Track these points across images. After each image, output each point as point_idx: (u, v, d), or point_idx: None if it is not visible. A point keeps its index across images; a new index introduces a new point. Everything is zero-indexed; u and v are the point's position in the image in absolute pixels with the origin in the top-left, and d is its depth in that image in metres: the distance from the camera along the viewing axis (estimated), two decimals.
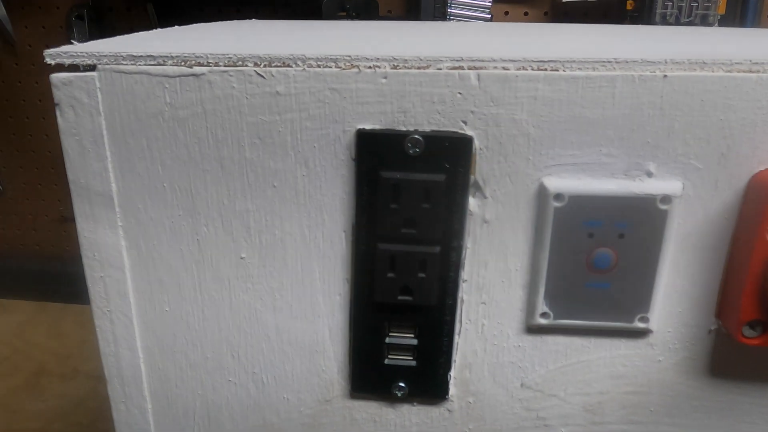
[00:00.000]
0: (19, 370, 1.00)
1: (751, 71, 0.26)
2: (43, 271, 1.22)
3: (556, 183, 0.28)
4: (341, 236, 0.30)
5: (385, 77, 0.27)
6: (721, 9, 0.83)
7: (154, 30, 0.39)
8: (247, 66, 0.27)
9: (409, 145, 0.28)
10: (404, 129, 0.28)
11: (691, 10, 0.82)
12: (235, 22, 0.56)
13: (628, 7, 0.87)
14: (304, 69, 0.27)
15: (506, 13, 0.96)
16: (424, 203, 0.28)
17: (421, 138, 0.28)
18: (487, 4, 0.80)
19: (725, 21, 0.84)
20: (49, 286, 1.18)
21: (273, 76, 0.28)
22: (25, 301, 1.19)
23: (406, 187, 0.28)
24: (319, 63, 0.27)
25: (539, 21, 0.96)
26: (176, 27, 0.44)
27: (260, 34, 0.40)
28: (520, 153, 0.28)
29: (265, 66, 0.27)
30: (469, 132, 0.28)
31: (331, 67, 0.27)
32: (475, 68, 0.27)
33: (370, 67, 0.27)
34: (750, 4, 0.83)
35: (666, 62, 0.26)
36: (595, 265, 0.29)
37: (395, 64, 0.27)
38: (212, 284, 0.32)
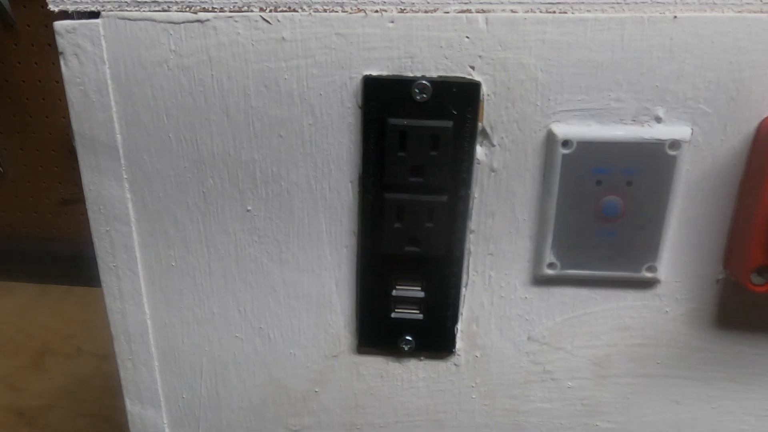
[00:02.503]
0: (23, 350, 1.00)
1: (762, 11, 0.26)
2: (46, 253, 1.22)
3: (564, 129, 0.28)
4: (348, 186, 0.30)
5: (392, 21, 0.27)
6: None
7: None
8: (252, 11, 0.27)
9: (417, 90, 0.28)
10: (411, 75, 0.28)
11: None
12: None
13: None
14: (310, 14, 0.27)
15: None
16: (431, 151, 0.28)
17: (428, 84, 0.27)
18: None
19: None
20: (51, 268, 1.18)
21: (279, 21, 0.27)
22: (28, 283, 1.19)
23: (413, 134, 0.28)
24: (325, 7, 0.27)
25: None
26: None
27: None
28: (528, 99, 0.28)
29: (270, 11, 0.27)
30: (476, 77, 0.28)
31: (337, 12, 0.27)
32: (483, 11, 0.27)
33: (377, 11, 0.27)
34: None
35: (676, 3, 0.26)
36: (603, 213, 0.29)
37: (402, 8, 0.27)
38: (218, 237, 0.31)
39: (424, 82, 0.27)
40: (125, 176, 0.30)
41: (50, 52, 1.06)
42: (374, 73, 0.28)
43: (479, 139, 0.29)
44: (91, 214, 0.31)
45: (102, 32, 0.28)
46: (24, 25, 1.07)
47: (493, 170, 0.29)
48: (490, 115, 0.28)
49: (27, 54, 1.08)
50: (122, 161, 0.30)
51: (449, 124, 0.28)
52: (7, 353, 0.99)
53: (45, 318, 1.07)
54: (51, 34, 0.28)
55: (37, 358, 0.97)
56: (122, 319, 0.34)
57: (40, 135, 1.18)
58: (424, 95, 0.28)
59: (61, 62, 0.29)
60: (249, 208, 0.31)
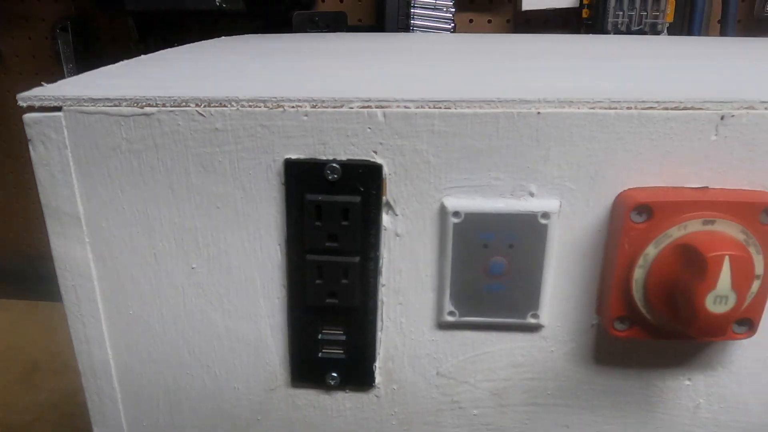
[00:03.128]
0: (13, 366, 1.05)
1: (610, 108, 0.31)
2: (35, 271, 1.27)
3: (454, 202, 0.33)
4: (276, 249, 0.35)
5: (306, 115, 0.32)
6: (669, 17, 0.88)
7: (120, 63, 0.44)
8: (189, 106, 0.32)
9: (329, 171, 0.33)
10: (324, 158, 0.33)
11: (641, 19, 0.87)
12: (199, 45, 0.60)
13: (584, 15, 0.91)
14: (237, 108, 0.32)
15: (470, 20, 1.00)
16: (343, 221, 0.34)
17: (338, 166, 0.33)
18: (448, 16, 0.85)
19: (673, 29, 0.88)
20: (40, 286, 1.23)
21: (212, 114, 0.32)
22: (17, 300, 1.24)
23: (326, 208, 0.33)
24: (250, 104, 0.32)
25: (502, 28, 1.01)
26: (142, 57, 0.48)
27: (214, 63, 0.45)
28: (423, 177, 0.33)
29: (204, 106, 0.32)
30: (379, 160, 0.33)
31: (260, 107, 0.32)
32: (382, 107, 0.32)
33: (293, 107, 0.32)
34: (696, 13, 0.87)
35: (539, 101, 0.31)
36: (490, 271, 0.34)
37: (314, 104, 0.32)
38: (168, 290, 0.37)
39: (334, 164, 0.33)
40: (87, 240, 0.36)
41: (38, 81, 1.11)
42: (293, 156, 0.33)
43: (384, 209, 0.34)
44: (58, 271, 0.37)
45: (64, 123, 0.33)
46: (12, 55, 1.12)
47: (398, 235, 0.34)
48: (392, 190, 0.33)
49: (15, 82, 1.13)
50: (84, 228, 0.35)
51: (357, 199, 0.33)
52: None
53: (34, 334, 1.12)
54: (39, 64, 0.34)
55: (27, 374, 1.02)
56: (89, 359, 0.39)
57: (29, 159, 1.22)
58: (335, 175, 0.33)
59: (30, 148, 0.34)
60: (193, 266, 0.36)
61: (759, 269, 0.32)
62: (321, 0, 1.00)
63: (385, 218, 0.34)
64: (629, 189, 0.32)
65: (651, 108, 0.31)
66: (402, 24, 0.83)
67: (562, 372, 0.37)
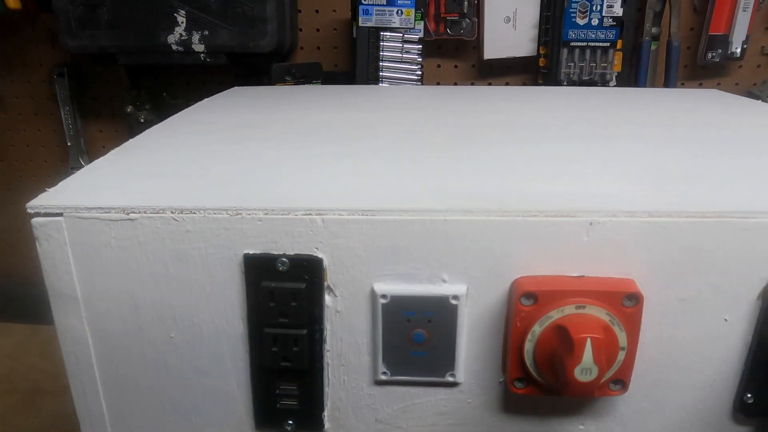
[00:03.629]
0: (16, 389, 1.12)
1: (502, 216, 0.39)
2: (36, 296, 1.34)
3: (382, 287, 0.41)
4: (239, 322, 0.43)
5: (260, 220, 0.40)
6: (618, 67, 0.95)
7: (112, 153, 0.52)
8: (165, 213, 0.40)
9: (279, 264, 0.41)
10: (276, 253, 0.41)
11: (591, 69, 0.95)
12: (172, 127, 0.68)
13: (540, 64, 0.99)
14: (205, 215, 0.40)
15: (438, 66, 1.08)
16: (292, 302, 0.41)
17: (287, 260, 0.40)
18: (414, 68, 0.92)
19: (622, 77, 0.96)
20: (41, 310, 1.31)
21: (184, 219, 0.40)
22: (19, 324, 1.31)
23: (278, 292, 0.41)
24: (215, 212, 0.40)
25: (468, 74, 1.08)
26: (129, 145, 0.56)
27: (185, 160, 0.52)
28: (356, 267, 0.41)
29: (178, 213, 0.40)
30: (320, 255, 0.40)
31: (223, 214, 0.40)
32: (320, 214, 0.40)
33: (249, 214, 0.40)
34: (642, 64, 0.95)
35: (446, 210, 0.39)
36: (414, 340, 0.42)
37: (266, 212, 0.40)
38: (151, 355, 0.44)
39: (284, 258, 0.40)
40: (84, 316, 0.43)
41: (36, 121, 1.18)
42: (251, 251, 0.41)
43: (326, 292, 0.42)
44: (60, 340, 0.44)
45: (64, 226, 0.41)
46: (12, 97, 1.19)
47: (338, 312, 0.42)
48: (332, 277, 0.41)
49: (15, 122, 1.21)
50: (81, 306, 0.43)
51: (303, 285, 0.41)
52: (2, 392, 1.11)
53: (35, 357, 1.20)
54: (37, 105, 0.41)
55: (28, 397, 1.10)
56: (86, 410, 0.46)
57: (30, 193, 1.30)
58: (285, 267, 0.41)
59: (36, 244, 0.41)
60: (172, 335, 0.44)
61: (623, 342, 0.39)
62: (300, 48, 1.08)
63: (327, 298, 0.42)
64: (520, 277, 0.40)
65: (535, 216, 0.39)
66: (372, 76, 0.91)
67: (479, 419, 0.45)
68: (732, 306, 0.41)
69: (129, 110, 1.06)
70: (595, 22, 0.92)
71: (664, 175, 0.46)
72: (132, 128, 1.07)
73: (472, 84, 1.11)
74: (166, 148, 0.54)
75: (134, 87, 1.05)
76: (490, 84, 1.13)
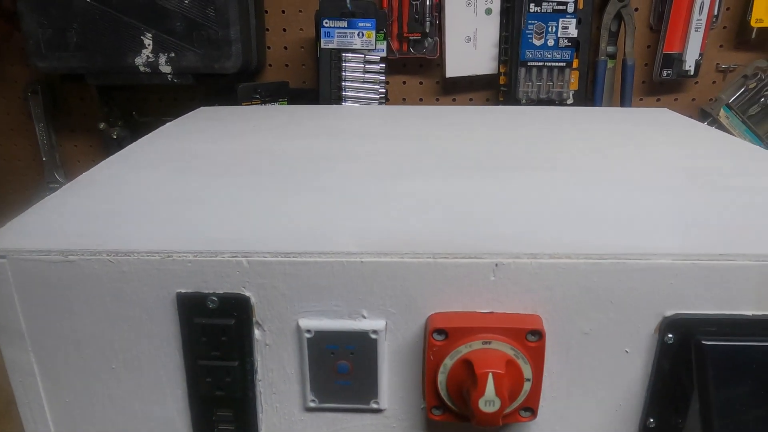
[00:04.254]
0: None
1: (414, 258, 0.42)
2: None
3: (306, 323, 0.44)
4: (176, 354, 0.46)
5: (190, 262, 0.43)
6: (574, 86, 0.98)
7: (63, 188, 0.54)
8: (102, 256, 0.43)
9: (209, 302, 0.43)
10: (206, 291, 0.43)
11: (549, 88, 0.98)
12: (112, 166, 0.70)
13: (501, 82, 1.02)
14: (138, 257, 0.43)
15: (404, 82, 1.11)
16: (222, 337, 0.44)
17: (216, 298, 0.43)
18: (376, 87, 0.95)
19: (579, 95, 0.99)
20: None
21: (119, 261, 0.43)
22: None
23: (209, 328, 0.44)
24: (147, 255, 0.43)
25: (433, 90, 1.11)
26: (69, 188, 0.59)
27: (122, 203, 0.55)
28: (281, 305, 0.44)
29: (113, 255, 0.43)
30: (247, 293, 0.43)
31: (155, 257, 0.43)
32: (246, 256, 0.42)
33: (180, 257, 0.43)
34: (597, 83, 0.98)
35: (362, 253, 0.42)
36: (338, 370, 0.45)
37: (196, 255, 0.43)
38: (95, 385, 0.47)
39: (213, 297, 0.43)
40: (30, 349, 0.46)
41: (12, 136, 1.20)
42: (183, 290, 0.43)
43: (255, 327, 0.44)
44: (9, 372, 0.47)
45: (8, 267, 0.43)
46: None
47: (267, 345, 0.45)
48: (259, 314, 0.44)
49: None
50: (27, 340, 0.46)
51: (232, 321, 0.44)
52: None
53: None
54: (13, 121, 0.44)
55: (4, 407, 1.12)
56: (34, 426, 0.49)
57: (7, 207, 1.32)
58: (215, 304, 0.43)
59: None
60: (113, 366, 0.46)
61: (528, 374, 0.42)
62: (269, 65, 1.10)
63: (257, 332, 0.45)
64: (434, 313, 0.43)
65: (445, 258, 0.42)
66: (335, 96, 0.93)
67: None
68: (632, 339, 0.44)
69: (102, 127, 1.09)
70: (551, 42, 0.95)
71: (569, 216, 0.48)
72: (106, 144, 1.09)
73: (437, 100, 1.13)
74: (111, 186, 0.57)
75: (106, 105, 1.07)
76: (454, 100, 1.15)
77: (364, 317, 0.44)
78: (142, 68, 0.94)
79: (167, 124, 0.81)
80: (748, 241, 0.44)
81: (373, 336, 0.44)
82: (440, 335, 0.42)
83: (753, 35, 1.07)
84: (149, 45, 0.92)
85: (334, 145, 0.72)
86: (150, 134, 0.77)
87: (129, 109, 1.11)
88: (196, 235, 0.45)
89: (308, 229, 0.46)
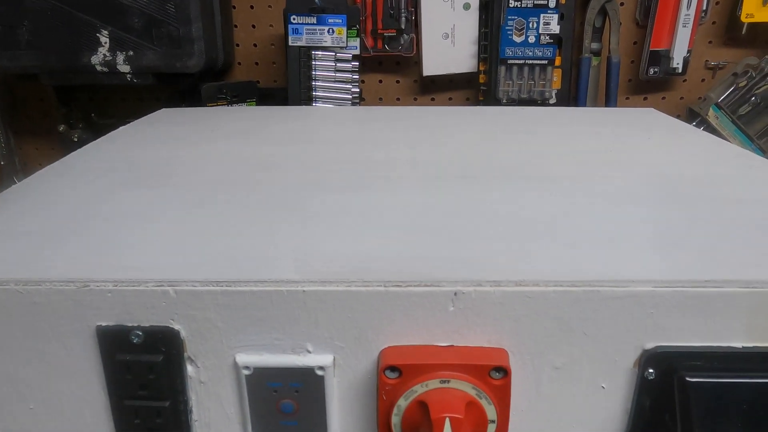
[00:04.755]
0: None
1: (363, 286, 0.37)
2: None
3: (245, 358, 0.39)
4: (101, 393, 0.41)
5: (110, 292, 0.38)
6: (557, 84, 0.94)
7: None
8: (9, 285, 0.38)
9: (133, 336, 0.38)
10: (129, 325, 0.38)
11: (530, 87, 0.93)
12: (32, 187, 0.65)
13: (481, 80, 0.97)
14: (51, 287, 0.38)
15: (380, 81, 1.06)
16: (150, 375, 0.39)
17: (141, 332, 0.38)
18: (348, 87, 0.90)
19: (562, 94, 0.95)
20: None
21: (29, 291, 0.38)
22: None
23: (134, 365, 0.39)
24: (61, 285, 0.38)
25: (411, 89, 1.06)
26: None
27: (35, 233, 0.50)
28: (216, 338, 0.39)
29: (22, 285, 0.38)
30: (176, 326, 0.38)
31: (70, 286, 0.38)
32: (172, 286, 0.37)
33: (98, 286, 0.38)
34: (581, 81, 0.93)
35: (304, 281, 0.37)
36: (282, 410, 0.40)
37: (116, 284, 0.38)
38: (14, 426, 0.42)
39: (138, 331, 0.38)
40: None
41: None
42: (103, 323, 0.38)
43: (188, 362, 0.39)
44: None
45: None
46: None
47: (202, 382, 0.40)
48: (191, 348, 0.39)
49: None
50: None
51: (159, 357, 0.39)
52: None
53: None
54: None
55: None
56: None
57: None
58: (139, 339, 0.38)
59: None
60: (31, 407, 0.41)
61: (492, 416, 0.38)
62: (237, 63, 1.05)
63: (190, 369, 0.40)
64: (386, 348, 0.38)
65: (397, 286, 0.37)
66: (305, 96, 0.88)
67: None
68: (608, 374, 0.39)
69: (62, 129, 1.03)
70: (532, 39, 0.90)
71: (538, 237, 0.44)
72: (66, 147, 1.04)
73: (415, 99, 1.09)
74: (36, 202, 0.52)
75: (65, 106, 1.02)
76: (433, 99, 1.11)
77: (309, 352, 0.39)
78: (98, 67, 0.89)
79: (121, 128, 0.76)
80: (736, 265, 0.39)
81: (320, 372, 0.39)
82: (393, 372, 0.38)
83: (743, 31, 1.03)
84: (106, 43, 0.87)
85: (288, 151, 0.67)
86: (100, 139, 0.72)
87: (89, 110, 1.05)
88: (117, 261, 0.40)
89: (244, 254, 0.41)
